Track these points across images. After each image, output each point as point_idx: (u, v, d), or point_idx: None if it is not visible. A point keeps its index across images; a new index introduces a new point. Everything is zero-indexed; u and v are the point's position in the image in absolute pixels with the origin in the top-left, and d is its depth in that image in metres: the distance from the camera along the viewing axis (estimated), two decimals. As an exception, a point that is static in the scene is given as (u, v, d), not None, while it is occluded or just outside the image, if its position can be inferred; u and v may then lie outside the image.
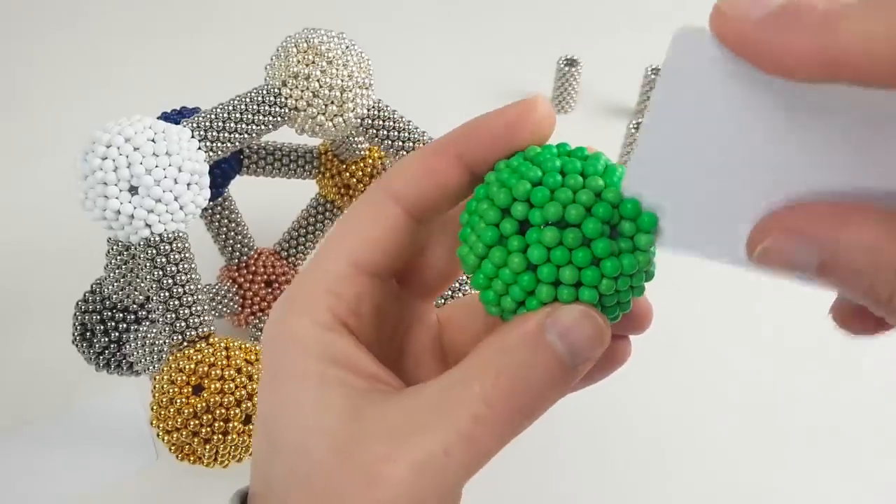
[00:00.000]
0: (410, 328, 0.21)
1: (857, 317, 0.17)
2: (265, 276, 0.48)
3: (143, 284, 0.37)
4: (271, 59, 0.37)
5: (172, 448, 0.29)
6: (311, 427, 0.17)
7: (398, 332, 0.21)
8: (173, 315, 0.31)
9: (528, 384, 0.16)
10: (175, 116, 0.40)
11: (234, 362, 0.30)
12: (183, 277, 0.31)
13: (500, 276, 0.17)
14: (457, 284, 0.38)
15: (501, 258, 0.17)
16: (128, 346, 0.38)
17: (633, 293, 0.18)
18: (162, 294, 0.31)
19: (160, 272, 0.31)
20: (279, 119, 0.36)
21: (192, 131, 0.33)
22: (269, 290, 0.48)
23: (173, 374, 0.29)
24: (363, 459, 0.16)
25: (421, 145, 0.39)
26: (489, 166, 0.18)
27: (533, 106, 0.18)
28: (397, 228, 0.19)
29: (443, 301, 0.36)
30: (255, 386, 0.30)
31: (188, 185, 0.31)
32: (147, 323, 0.38)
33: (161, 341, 0.36)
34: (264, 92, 0.36)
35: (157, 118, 0.35)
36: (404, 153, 0.38)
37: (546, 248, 0.17)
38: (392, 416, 0.17)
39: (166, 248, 0.31)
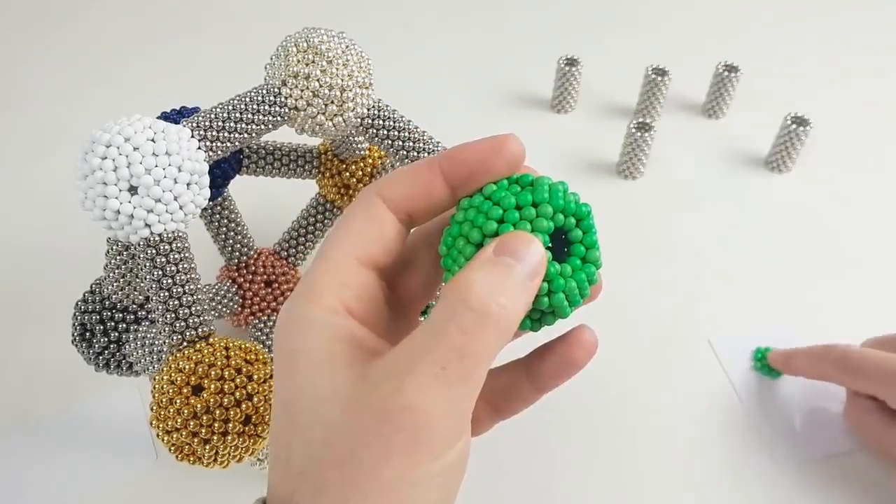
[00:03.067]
0: (400, 339, 0.23)
1: None
2: (265, 277, 0.48)
3: (142, 284, 0.37)
4: (271, 59, 0.37)
5: (172, 448, 0.29)
6: (323, 396, 0.20)
7: (388, 337, 0.23)
8: (173, 315, 0.31)
9: (496, 289, 0.19)
10: (175, 116, 0.40)
11: (233, 362, 0.30)
12: (182, 277, 0.31)
13: None
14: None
15: None
16: (127, 347, 0.38)
17: (589, 283, 0.22)
18: (161, 294, 0.31)
19: (160, 272, 0.31)
20: (279, 119, 0.36)
21: (192, 131, 0.33)
22: (269, 290, 0.48)
23: (173, 375, 0.29)
24: (373, 403, 0.19)
25: (421, 145, 0.38)
26: (467, 187, 0.22)
27: (504, 141, 0.22)
28: (388, 228, 0.22)
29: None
30: (254, 386, 0.30)
31: (188, 184, 0.31)
32: (147, 323, 0.38)
33: (160, 341, 0.36)
34: (264, 91, 0.36)
35: (157, 118, 0.35)
36: (404, 153, 0.38)
37: None
38: (389, 362, 0.20)
39: (166, 248, 0.31)
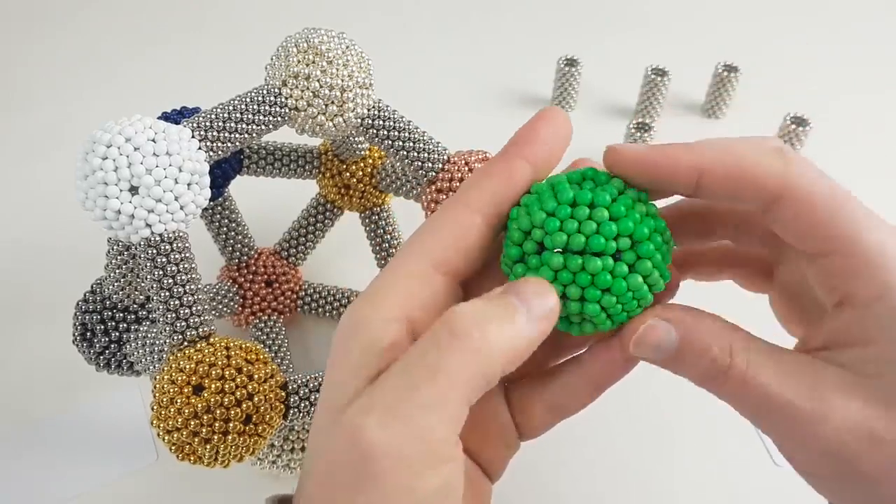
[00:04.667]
0: None
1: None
2: (265, 276, 0.48)
3: (143, 284, 0.37)
4: (271, 59, 0.37)
5: (173, 448, 0.29)
6: (342, 403, 0.19)
7: None
8: (173, 315, 0.31)
9: (485, 319, 0.19)
10: (175, 116, 0.40)
11: (234, 362, 0.30)
12: (183, 277, 0.31)
13: None
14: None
15: (523, 272, 0.21)
16: (128, 346, 0.38)
17: (641, 302, 0.21)
18: (162, 294, 0.31)
19: (160, 272, 0.31)
20: (279, 119, 0.36)
21: (193, 131, 0.33)
22: (270, 290, 0.48)
23: (173, 374, 0.29)
24: (347, 423, 0.18)
25: (421, 145, 0.38)
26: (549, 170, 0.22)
27: (554, 114, 0.23)
28: (471, 231, 0.21)
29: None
30: (255, 385, 0.30)
31: (188, 184, 0.31)
32: (147, 323, 0.38)
33: (161, 341, 0.36)
34: (264, 92, 0.36)
35: (158, 118, 0.35)
36: (404, 153, 0.38)
37: (553, 270, 0.20)
38: (379, 381, 0.19)
39: (166, 247, 0.31)
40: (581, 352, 0.24)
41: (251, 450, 0.30)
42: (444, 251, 0.21)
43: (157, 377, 0.30)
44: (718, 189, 0.21)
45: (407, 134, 0.38)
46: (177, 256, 0.31)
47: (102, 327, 0.38)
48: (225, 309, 0.46)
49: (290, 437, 0.38)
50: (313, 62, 0.36)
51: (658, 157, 0.21)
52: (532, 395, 0.24)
